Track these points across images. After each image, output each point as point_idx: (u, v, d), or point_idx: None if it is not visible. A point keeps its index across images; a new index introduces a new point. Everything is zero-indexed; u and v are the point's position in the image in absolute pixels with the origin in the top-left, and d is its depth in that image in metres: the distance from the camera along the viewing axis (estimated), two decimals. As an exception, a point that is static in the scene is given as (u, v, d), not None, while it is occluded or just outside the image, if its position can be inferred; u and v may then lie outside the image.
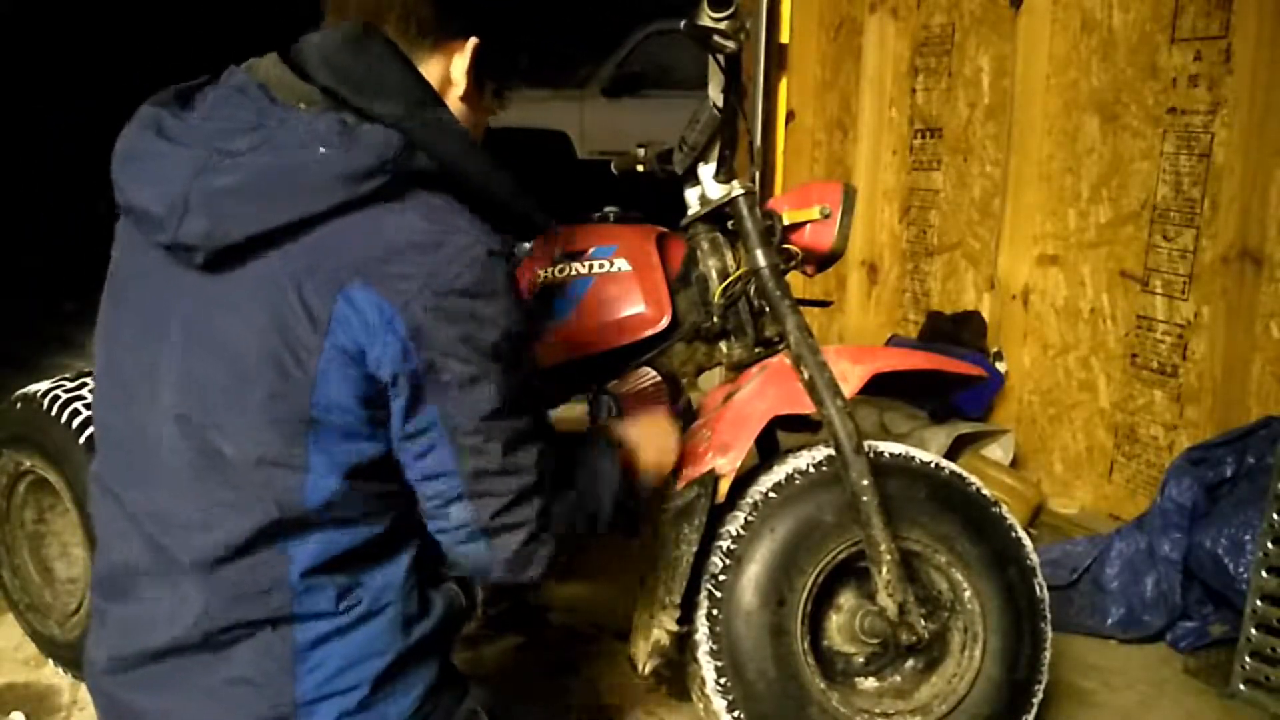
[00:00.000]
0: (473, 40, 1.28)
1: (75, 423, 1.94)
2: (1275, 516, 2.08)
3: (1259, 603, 2.10)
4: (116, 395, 1.24)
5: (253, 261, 1.13)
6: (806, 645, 1.64)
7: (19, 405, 2.05)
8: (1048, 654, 1.77)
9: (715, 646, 1.62)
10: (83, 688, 2.10)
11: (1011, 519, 1.77)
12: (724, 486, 1.61)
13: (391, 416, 1.15)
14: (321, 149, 1.11)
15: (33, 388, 2.05)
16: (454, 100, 1.30)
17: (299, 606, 1.16)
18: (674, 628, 1.57)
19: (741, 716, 1.61)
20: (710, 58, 1.57)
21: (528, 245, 1.90)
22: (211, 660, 1.17)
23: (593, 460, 1.40)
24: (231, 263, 1.13)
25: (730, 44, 1.49)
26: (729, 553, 1.64)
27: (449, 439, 1.14)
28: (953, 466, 1.77)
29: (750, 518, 1.65)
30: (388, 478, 1.19)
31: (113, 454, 1.24)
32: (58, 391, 1.99)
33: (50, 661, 2.16)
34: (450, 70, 1.29)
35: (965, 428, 3.06)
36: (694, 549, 1.58)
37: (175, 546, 1.16)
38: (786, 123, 4.15)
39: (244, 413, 1.13)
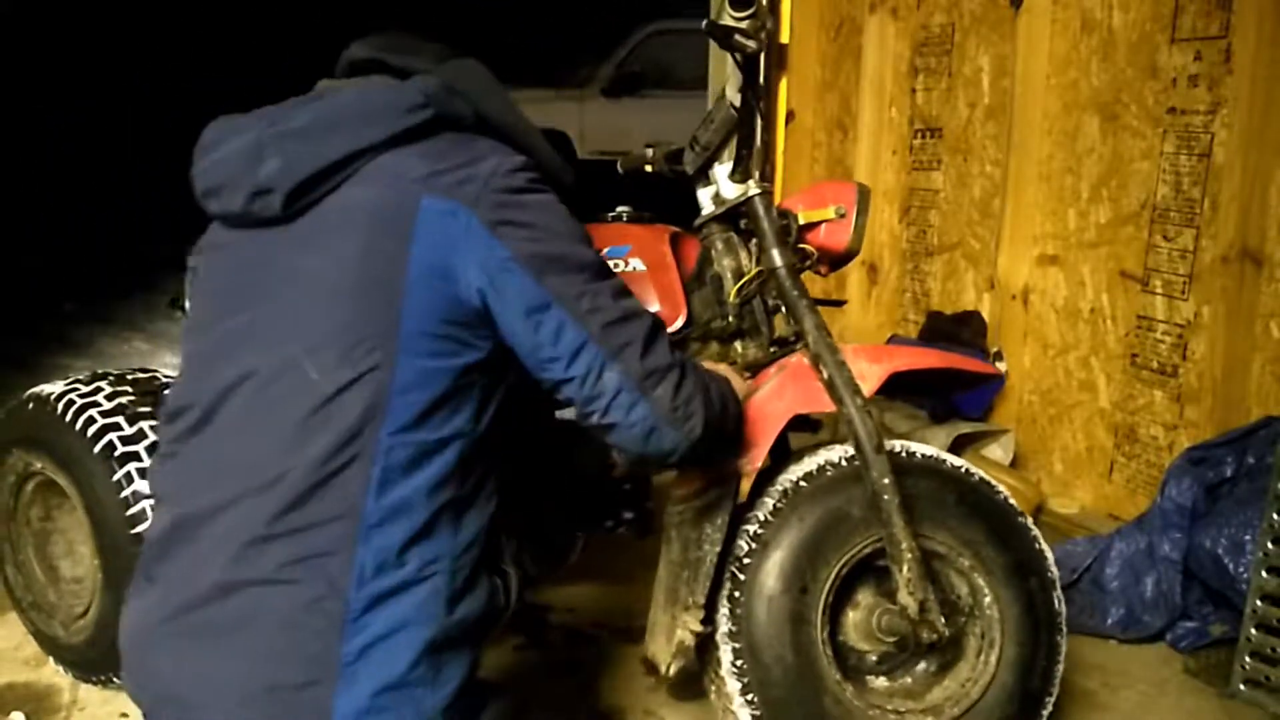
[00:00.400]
0: None
1: (90, 430, 1.91)
2: (1275, 516, 2.09)
3: (1259, 603, 2.11)
4: (207, 364, 1.27)
5: (326, 199, 1.24)
6: (825, 635, 1.64)
7: (30, 405, 2.02)
8: (1061, 666, 1.78)
9: (734, 629, 1.62)
10: (83, 688, 2.09)
11: (1036, 530, 1.78)
12: (745, 486, 1.61)
13: (503, 323, 1.23)
14: (373, 93, 1.28)
15: (45, 389, 2.02)
16: None
17: (363, 543, 1.16)
18: (698, 628, 1.56)
19: (755, 699, 1.61)
20: (730, 57, 1.57)
21: None
22: (260, 601, 1.16)
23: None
24: (307, 205, 1.25)
25: (751, 43, 1.49)
26: (755, 537, 1.64)
27: (567, 310, 1.23)
28: (981, 473, 1.77)
29: (779, 504, 1.66)
30: (468, 409, 1.24)
31: (191, 420, 1.26)
32: (72, 396, 1.97)
33: (50, 661, 2.14)
34: None
35: (965, 428, 3.06)
36: (717, 549, 1.58)
37: (252, 480, 1.18)
38: (786, 123, 4.15)
39: (334, 335, 1.19)
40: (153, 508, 1.29)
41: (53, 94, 7.40)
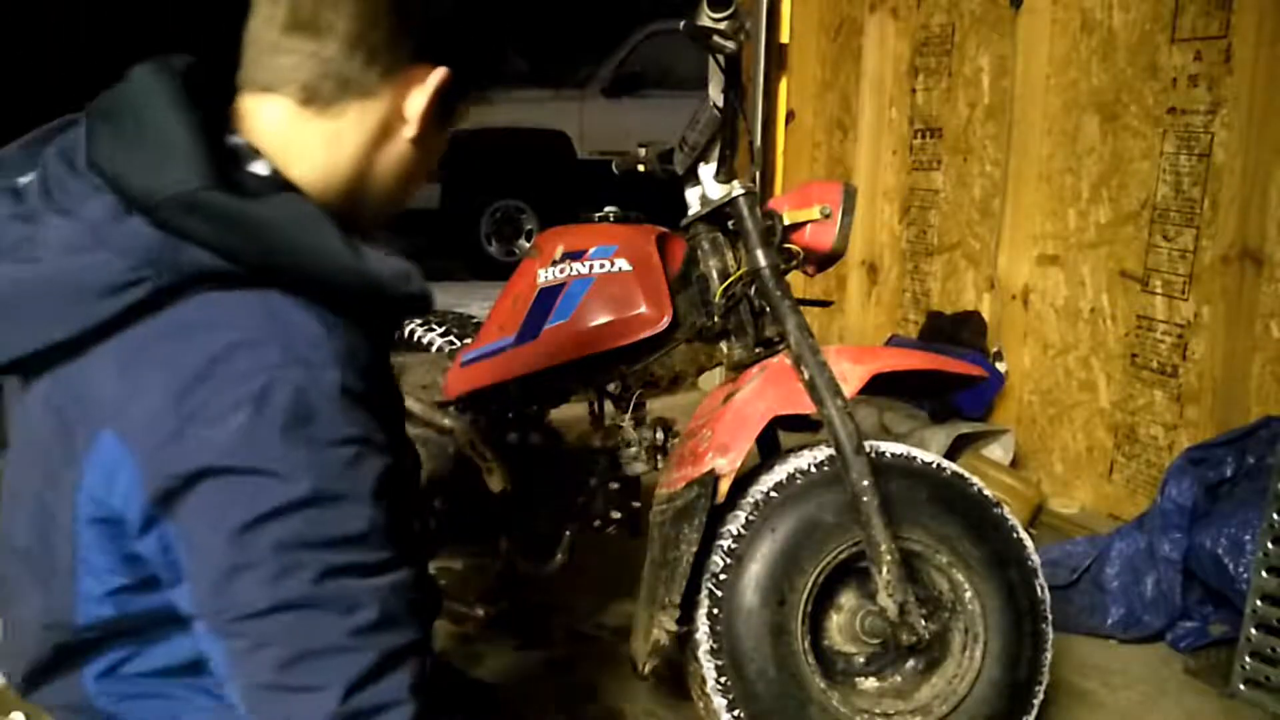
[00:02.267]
0: (441, 70, 0.98)
1: None
2: (1275, 516, 2.08)
3: (1259, 603, 2.10)
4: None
5: (34, 382, 0.93)
6: (807, 645, 1.64)
7: None
8: (1049, 655, 1.77)
9: (715, 645, 1.62)
10: (83, 688, 2.10)
11: (1013, 520, 1.77)
12: (724, 487, 1.60)
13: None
14: (74, 255, 0.87)
15: None
16: (399, 143, 1.00)
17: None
18: (673, 628, 1.56)
19: (741, 715, 1.61)
20: (710, 58, 1.57)
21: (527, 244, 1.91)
22: None
23: None
24: (25, 380, 0.95)
25: (730, 44, 1.49)
26: (730, 552, 1.64)
27: (216, 632, 0.87)
28: (954, 467, 1.76)
29: (751, 517, 1.65)
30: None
31: None
32: None
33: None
34: (404, 107, 0.98)
35: (965, 428, 3.05)
36: (694, 549, 1.57)
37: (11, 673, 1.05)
38: (786, 123, 4.15)
39: (19, 558, 0.98)
40: None
41: (54, 93, 7.45)
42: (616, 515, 1.97)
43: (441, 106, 1.00)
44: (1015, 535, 1.76)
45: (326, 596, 0.85)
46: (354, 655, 0.86)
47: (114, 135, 0.90)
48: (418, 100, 0.98)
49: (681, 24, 1.49)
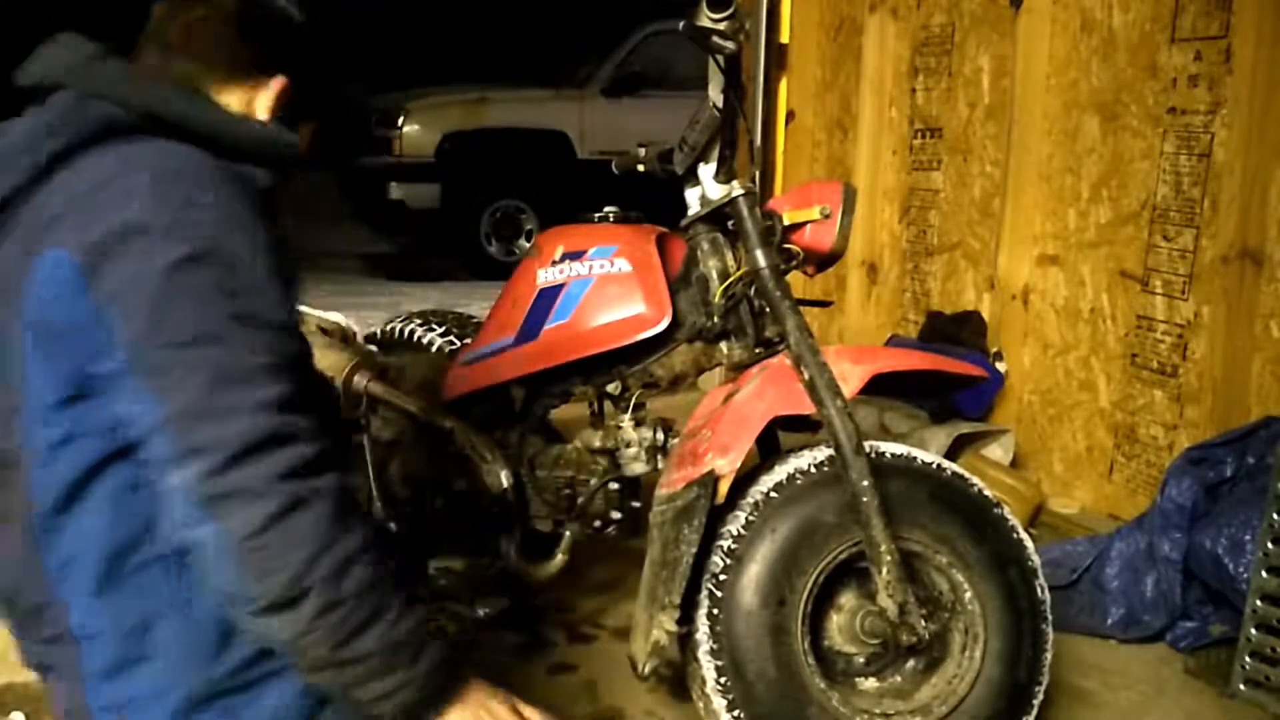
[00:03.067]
0: (279, 80, 1.26)
1: None
2: (1275, 516, 2.08)
3: (1259, 603, 2.10)
4: None
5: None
6: (807, 645, 1.63)
7: None
8: (1048, 655, 1.77)
9: (715, 646, 1.61)
10: (83, 688, 2.10)
11: (1013, 520, 1.77)
12: (724, 487, 1.60)
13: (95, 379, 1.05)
14: (22, 125, 1.14)
15: None
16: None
17: (76, 624, 1.11)
18: (673, 628, 1.56)
19: (741, 716, 1.61)
20: (710, 58, 1.57)
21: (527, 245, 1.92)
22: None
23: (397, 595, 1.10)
24: None
25: (729, 44, 1.49)
26: (730, 552, 1.63)
27: (144, 379, 1.00)
28: (954, 467, 1.76)
29: (751, 517, 1.65)
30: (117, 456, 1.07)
31: None
32: None
33: (51, 662, 2.16)
34: (252, 106, 1.25)
35: (965, 428, 3.05)
36: (694, 549, 1.57)
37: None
38: (786, 123, 4.15)
39: None
40: None
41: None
42: (616, 515, 1.97)
43: (287, 111, 1.27)
44: (1015, 535, 1.76)
45: (236, 335, 1.02)
46: (265, 386, 1.02)
47: (49, 65, 1.17)
48: (263, 100, 1.26)
49: (681, 24, 1.49)
